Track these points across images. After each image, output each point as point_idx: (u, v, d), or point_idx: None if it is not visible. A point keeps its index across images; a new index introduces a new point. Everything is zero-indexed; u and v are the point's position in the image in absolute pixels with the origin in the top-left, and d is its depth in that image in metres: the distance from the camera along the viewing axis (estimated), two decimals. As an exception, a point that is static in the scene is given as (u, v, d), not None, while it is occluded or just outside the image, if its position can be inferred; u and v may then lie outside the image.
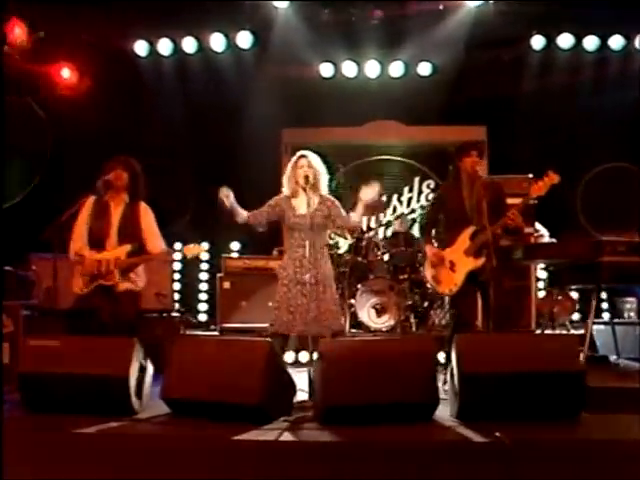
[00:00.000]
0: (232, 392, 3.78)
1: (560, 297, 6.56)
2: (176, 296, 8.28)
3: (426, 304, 6.86)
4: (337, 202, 4.81)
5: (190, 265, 8.43)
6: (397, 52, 8.20)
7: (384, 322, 6.59)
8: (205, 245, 8.41)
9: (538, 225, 6.93)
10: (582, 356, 5.22)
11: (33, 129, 7.46)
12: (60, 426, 3.60)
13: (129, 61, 7.96)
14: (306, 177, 4.64)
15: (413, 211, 8.24)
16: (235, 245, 8.30)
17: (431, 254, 4.89)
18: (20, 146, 7.27)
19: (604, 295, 7.88)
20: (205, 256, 8.38)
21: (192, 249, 4.78)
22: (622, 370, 4.87)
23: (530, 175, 6.75)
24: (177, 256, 8.26)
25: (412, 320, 6.76)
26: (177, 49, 8.02)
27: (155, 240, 4.85)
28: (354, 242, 6.93)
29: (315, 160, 4.77)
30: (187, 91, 8.01)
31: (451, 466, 3.21)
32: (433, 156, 8.33)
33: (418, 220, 7.75)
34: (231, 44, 7.98)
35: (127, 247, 4.72)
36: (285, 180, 4.80)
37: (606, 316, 7.67)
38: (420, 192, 8.36)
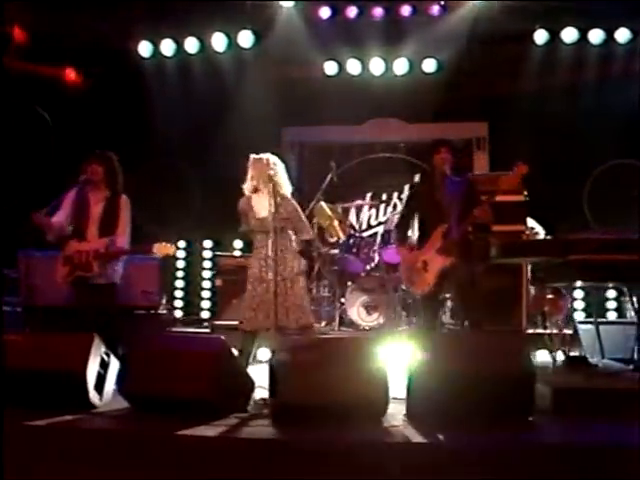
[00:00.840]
0: (184, 387, 3.82)
1: (552, 296, 6.43)
2: (180, 294, 8.44)
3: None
4: (298, 209, 4.86)
5: (194, 264, 8.58)
6: (400, 49, 8.19)
7: (374, 320, 6.58)
8: (208, 243, 8.55)
9: (532, 222, 6.82)
10: (559, 356, 5.18)
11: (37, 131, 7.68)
12: (14, 419, 3.68)
13: (132, 62, 8.09)
14: (268, 176, 4.68)
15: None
16: (238, 243, 8.36)
17: (403, 255, 4.87)
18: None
19: (613, 294, 7.73)
20: (208, 254, 8.50)
21: (162, 248, 4.83)
22: (596, 371, 4.75)
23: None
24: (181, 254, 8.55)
25: (404, 318, 6.75)
26: (180, 49, 8.15)
27: (121, 233, 4.93)
28: (345, 240, 6.92)
29: (275, 161, 4.82)
30: (189, 91, 8.11)
31: (378, 466, 3.19)
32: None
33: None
34: (233, 43, 8.07)
35: (106, 240, 4.84)
36: (246, 180, 4.84)
37: (612, 315, 7.55)
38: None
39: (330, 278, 6.99)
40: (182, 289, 8.47)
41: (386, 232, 7.24)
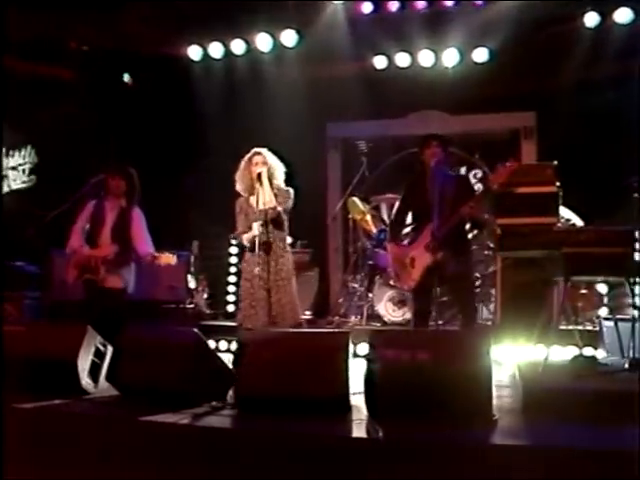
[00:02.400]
0: (162, 377, 4.06)
1: (585, 291, 6.16)
2: (232, 289, 8.72)
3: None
4: (291, 196, 4.94)
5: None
6: (449, 39, 8.06)
7: (401, 315, 6.57)
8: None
9: (568, 213, 6.55)
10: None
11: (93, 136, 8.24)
12: (6, 402, 4.05)
13: (182, 66, 8.46)
14: (259, 175, 4.81)
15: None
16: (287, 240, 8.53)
17: (392, 251, 4.87)
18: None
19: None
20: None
21: (164, 258, 5.08)
22: (593, 371, 4.53)
23: (555, 162, 6.42)
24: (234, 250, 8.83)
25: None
26: (227, 51, 8.43)
27: (142, 243, 5.22)
28: (377, 233, 6.95)
29: (270, 156, 4.93)
30: (235, 91, 8.36)
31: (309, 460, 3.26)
32: (480, 145, 8.08)
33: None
34: (277, 43, 8.25)
35: (114, 247, 5.16)
36: (238, 177, 4.98)
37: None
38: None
39: (364, 272, 7.04)
40: (235, 284, 8.76)
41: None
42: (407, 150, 8.33)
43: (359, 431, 3.56)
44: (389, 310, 6.59)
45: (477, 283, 6.60)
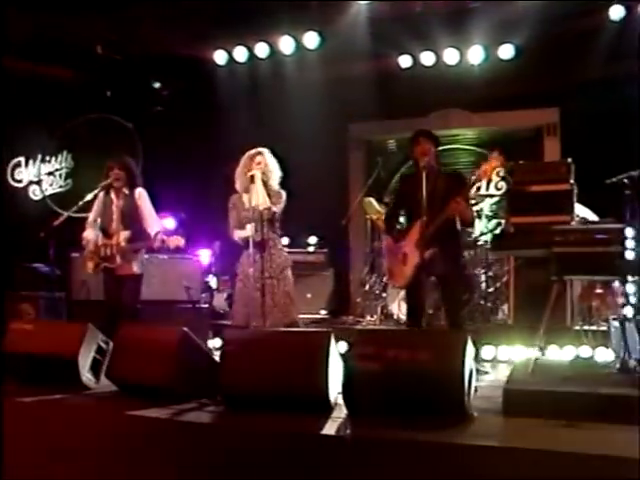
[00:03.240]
0: (150, 374, 4.23)
1: (600, 290, 6.02)
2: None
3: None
4: (283, 197, 5.03)
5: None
6: (473, 37, 8.00)
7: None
8: (285, 240, 8.92)
9: (584, 211, 6.42)
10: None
11: (125, 140, 8.54)
12: (9, 394, 4.29)
13: (208, 70, 8.66)
14: (252, 176, 4.92)
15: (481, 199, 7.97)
16: (312, 239, 8.62)
17: (385, 247, 4.90)
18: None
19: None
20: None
21: (173, 240, 5.20)
22: (587, 372, 4.46)
23: (569, 159, 6.32)
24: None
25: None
26: (251, 55, 8.59)
27: (151, 222, 5.41)
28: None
29: (269, 158, 5.03)
30: (259, 94, 8.50)
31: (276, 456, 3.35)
32: (503, 143, 7.98)
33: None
34: (299, 45, 8.35)
35: (125, 233, 5.37)
36: (237, 175, 5.09)
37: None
38: (489, 180, 8.04)
39: (380, 271, 7.08)
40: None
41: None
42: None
43: (329, 429, 3.61)
44: (402, 309, 6.59)
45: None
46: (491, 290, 6.54)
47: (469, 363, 3.77)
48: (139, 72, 8.53)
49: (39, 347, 4.57)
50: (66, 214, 5.46)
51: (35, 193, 8.88)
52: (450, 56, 8.13)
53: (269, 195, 4.99)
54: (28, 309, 5.60)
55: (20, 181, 8.82)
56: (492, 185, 8.01)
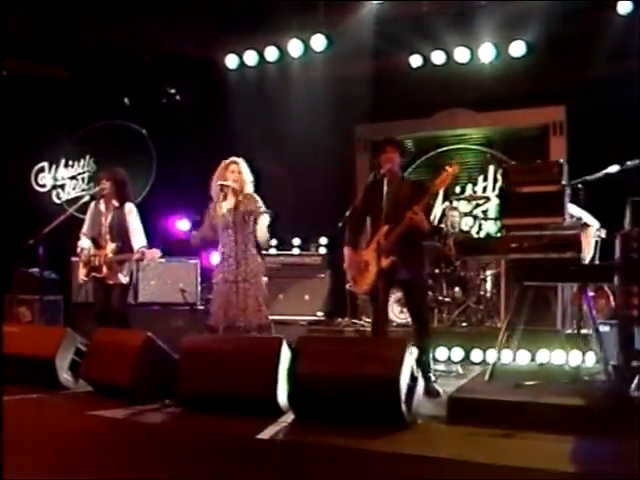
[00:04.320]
0: (116, 375, 4.45)
1: (592, 294, 5.91)
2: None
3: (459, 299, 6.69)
4: (256, 198, 5.14)
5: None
6: (483, 35, 7.92)
7: (406, 317, 6.59)
8: (296, 241, 9.04)
9: (579, 212, 6.30)
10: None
11: (139, 146, 8.83)
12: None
13: (220, 74, 8.85)
14: (234, 181, 5.06)
15: (487, 199, 7.90)
16: (323, 240, 8.70)
17: (347, 255, 4.94)
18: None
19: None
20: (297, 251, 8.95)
21: (148, 253, 5.40)
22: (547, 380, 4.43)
23: (561, 160, 6.21)
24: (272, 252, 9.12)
25: (445, 315, 6.67)
26: (261, 59, 8.73)
27: (136, 237, 5.59)
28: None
29: (244, 167, 5.17)
30: (268, 96, 8.61)
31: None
32: (508, 142, 7.91)
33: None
34: (307, 48, 8.44)
35: (112, 246, 5.59)
36: (213, 182, 5.22)
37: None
38: (495, 180, 7.96)
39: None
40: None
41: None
42: (435, 150, 8.36)
43: (266, 433, 3.73)
44: (395, 312, 6.63)
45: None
46: (483, 293, 6.49)
47: (408, 372, 3.82)
48: (153, 77, 8.75)
49: (22, 349, 4.84)
50: (55, 223, 5.69)
51: (59, 197, 9.26)
52: (461, 54, 8.07)
53: (239, 198, 5.10)
54: (25, 312, 5.90)
55: (44, 185, 9.20)
56: (498, 185, 7.94)
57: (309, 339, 4.30)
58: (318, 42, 8.33)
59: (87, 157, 9.36)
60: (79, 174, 9.36)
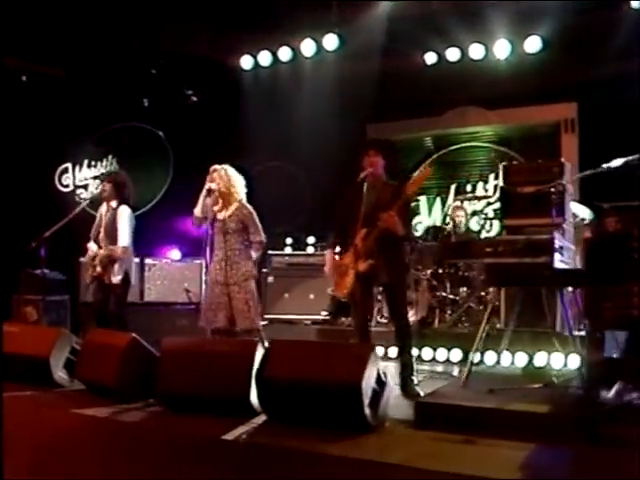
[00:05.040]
0: (102, 375, 4.61)
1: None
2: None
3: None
4: (253, 212, 5.23)
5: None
6: (499, 31, 7.84)
7: (411, 317, 6.59)
8: (311, 239, 9.11)
9: (580, 210, 6.20)
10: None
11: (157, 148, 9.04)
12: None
13: (235, 75, 8.97)
14: (217, 189, 5.15)
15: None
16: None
17: (328, 259, 4.97)
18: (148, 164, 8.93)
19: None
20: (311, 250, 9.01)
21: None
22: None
23: (562, 159, 6.11)
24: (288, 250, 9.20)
25: (448, 315, 6.65)
26: (275, 59, 8.82)
27: (119, 239, 5.71)
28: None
29: (229, 172, 5.25)
30: (280, 96, 8.69)
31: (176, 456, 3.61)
32: (520, 140, 7.82)
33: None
34: (320, 48, 8.49)
35: (105, 247, 5.75)
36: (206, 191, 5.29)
37: None
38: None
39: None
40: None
41: (433, 228, 7.11)
42: (447, 148, 8.31)
43: (232, 433, 3.83)
44: (397, 312, 6.64)
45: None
46: (484, 294, 6.45)
47: (373, 376, 3.85)
48: (170, 79, 8.92)
49: (20, 348, 5.04)
50: (56, 227, 5.88)
51: (81, 197, 9.53)
52: (475, 51, 7.99)
53: (236, 207, 5.19)
54: (31, 312, 6.13)
55: (67, 186, 9.49)
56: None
57: (279, 342, 4.35)
58: (330, 41, 8.38)
59: (109, 157, 9.59)
60: (102, 174, 9.59)
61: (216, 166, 5.33)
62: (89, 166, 9.61)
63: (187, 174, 8.89)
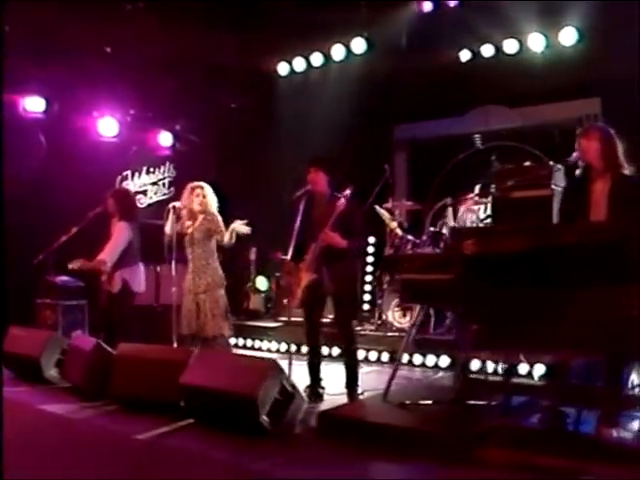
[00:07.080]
0: (74, 376, 5.15)
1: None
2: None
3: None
4: (218, 218, 5.51)
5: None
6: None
7: (407, 322, 6.64)
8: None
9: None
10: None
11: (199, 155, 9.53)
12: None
13: (272, 81, 9.29)
14: (199, 204, 5.50)
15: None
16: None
17: (286, 269, 5.14)
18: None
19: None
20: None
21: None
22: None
23: (551, 162, 5.89)
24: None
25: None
26: (308, 65, 9.05)
27: (105, 252, 5.97)
28: (390, 240, 7.02)
29: (208, 191, 5.57)
30: (315, 99, 8.87)
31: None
32: (542, 138, 7.51)
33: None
34: (349, 51, 8.63)
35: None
36: (182, 203, 5.62)
37: None
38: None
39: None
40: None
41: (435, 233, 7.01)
42: (472, 149, 8.12)
43: (149, 434, 4.15)
44: (396, 317, 6.71)
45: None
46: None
47: (275, 388, 4.03)
48: (210, 87, 9.35)
49: (20, 348, 5.67)
50: (60, 241, 6.38)
51: (140, 202, 10.24)
52: (509, 46, 7.82)
53: (203, 217, 5.51)
54: (50, 315, 6.75)
55: (127, 192, 10.24)
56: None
57: (202, 353, 4.66)
58: (358, 45, 8.51)
59: (167, 163, 10.22)
60: (160, 180, 10.25)
61: (199, 183, 5.66)
62: (148, 172, 10.28)
63: (231, 177, 9.38)
